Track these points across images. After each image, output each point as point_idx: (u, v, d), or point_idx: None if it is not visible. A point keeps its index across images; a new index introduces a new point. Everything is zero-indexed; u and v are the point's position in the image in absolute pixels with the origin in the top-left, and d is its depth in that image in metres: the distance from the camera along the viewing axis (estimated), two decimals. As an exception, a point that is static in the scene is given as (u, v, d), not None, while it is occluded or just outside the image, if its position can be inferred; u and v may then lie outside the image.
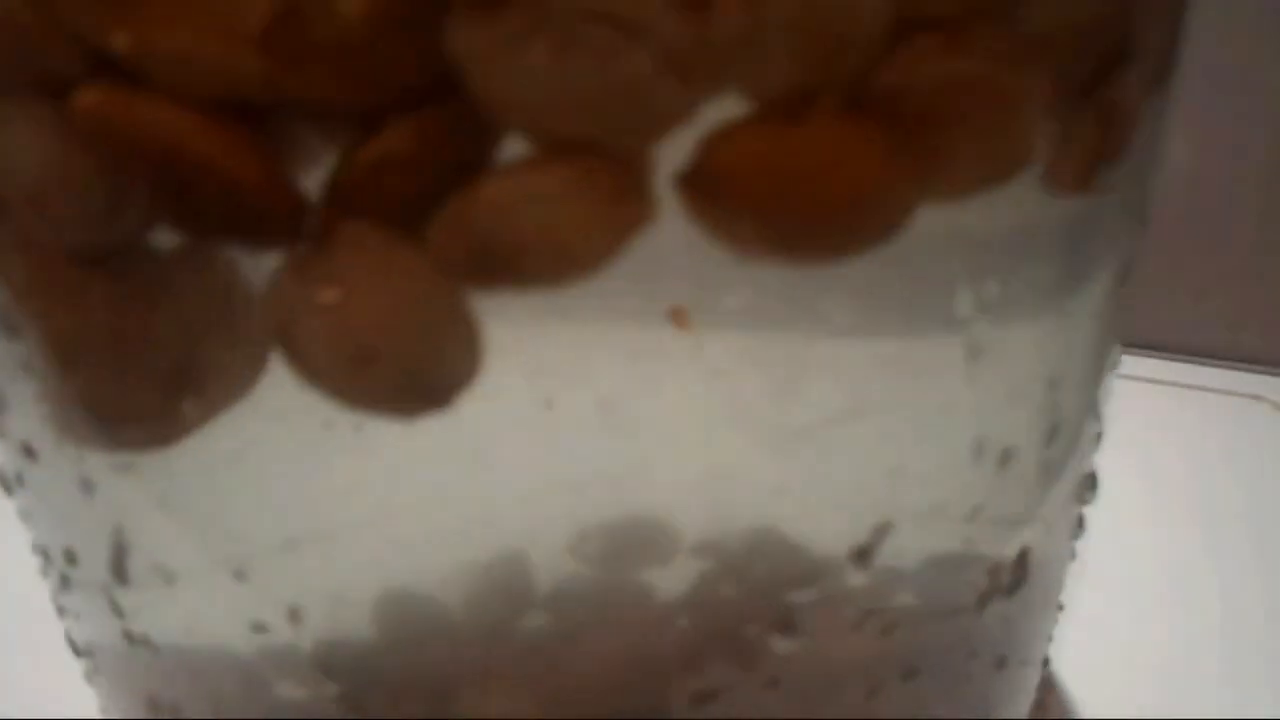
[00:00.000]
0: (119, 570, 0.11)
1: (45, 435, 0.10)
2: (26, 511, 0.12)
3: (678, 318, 0.08)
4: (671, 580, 0.10)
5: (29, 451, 0.11)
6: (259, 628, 0.10)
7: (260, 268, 0.08)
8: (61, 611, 0.13)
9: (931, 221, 0.09)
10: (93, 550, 0.11)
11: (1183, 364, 0.34)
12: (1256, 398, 0.32)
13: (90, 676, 0.13)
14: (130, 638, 0.11)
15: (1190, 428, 0.31)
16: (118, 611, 0.11)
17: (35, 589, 0.13)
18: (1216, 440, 0.30)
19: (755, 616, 0.10)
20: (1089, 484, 0.13)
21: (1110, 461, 0.30)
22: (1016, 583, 0.11)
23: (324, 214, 0.08)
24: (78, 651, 0.13)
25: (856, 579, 0.10)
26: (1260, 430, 0.31)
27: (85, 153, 0.08)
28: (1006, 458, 0.10)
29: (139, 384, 0.10)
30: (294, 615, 0.10)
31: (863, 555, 0.10)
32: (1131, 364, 0.35)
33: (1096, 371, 0.12)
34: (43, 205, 0.09)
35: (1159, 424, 0.30)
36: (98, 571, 0.11)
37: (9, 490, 0.12)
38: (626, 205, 0.08)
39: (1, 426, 0.11)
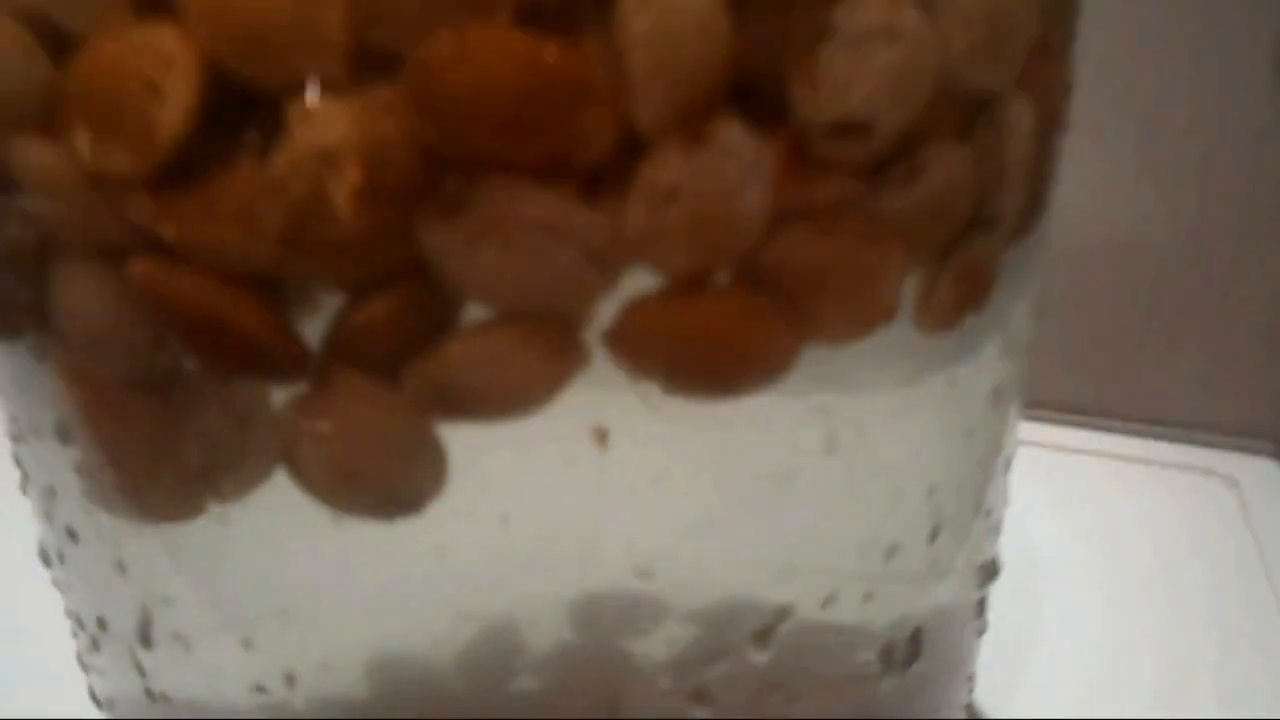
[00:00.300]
0: (144, 636, 0.13)
1: (87, 522, 0.12)
2: (64, 583, 0.14)
3: (598, 436, 0.10)
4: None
5: (72, 534, 0.13)
6: (259, 689, 0.12)
7: (271, 395, 0.10)
8: (88, 668, 0.15)
9: (812, 355, 0.11)
10: (121, 619, 0.13)
11: (1135, 439, 0.35)
12: (1209, 472, 0.34)
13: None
14: (150, 694, 0.13)
15: (1142, 502, 0.32)
16: (140, 671, 0.13)
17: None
18: (1168, 515, 0.32)
19: (676, 689, 0.12)
20: (989, 571, 0.15)
21: (1064, 533, 0.31)
22: (910, 659, 0.13)
23: (321, 362, 0.10)
24: (99, 704, 0.15)
25: (759, 657, 0.12)
26: (1212, 505, 0.33)
27: (135, 307, 0.10)
28: (892, 552, 0.12)
29: (169, 481, 0.12)
30: (289, 679, 0.12)
31: (763, 636, 0.12)
32: (1083, 438, 0.37)
33: (980, 479, 0.14)
34: (98, 344, 0.11)
35: (1111, 498, 0.32)
36: (125, 636, 0.13)
37: (48, 564, 0.14)
38: (561, 358, 0.10)
39: (50, 513, 0.13)
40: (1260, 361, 0.35)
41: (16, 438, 0.13)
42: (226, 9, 0.09)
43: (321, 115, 0.09)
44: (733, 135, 0.09)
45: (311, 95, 0.09)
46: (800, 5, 0.10)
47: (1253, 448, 0.35)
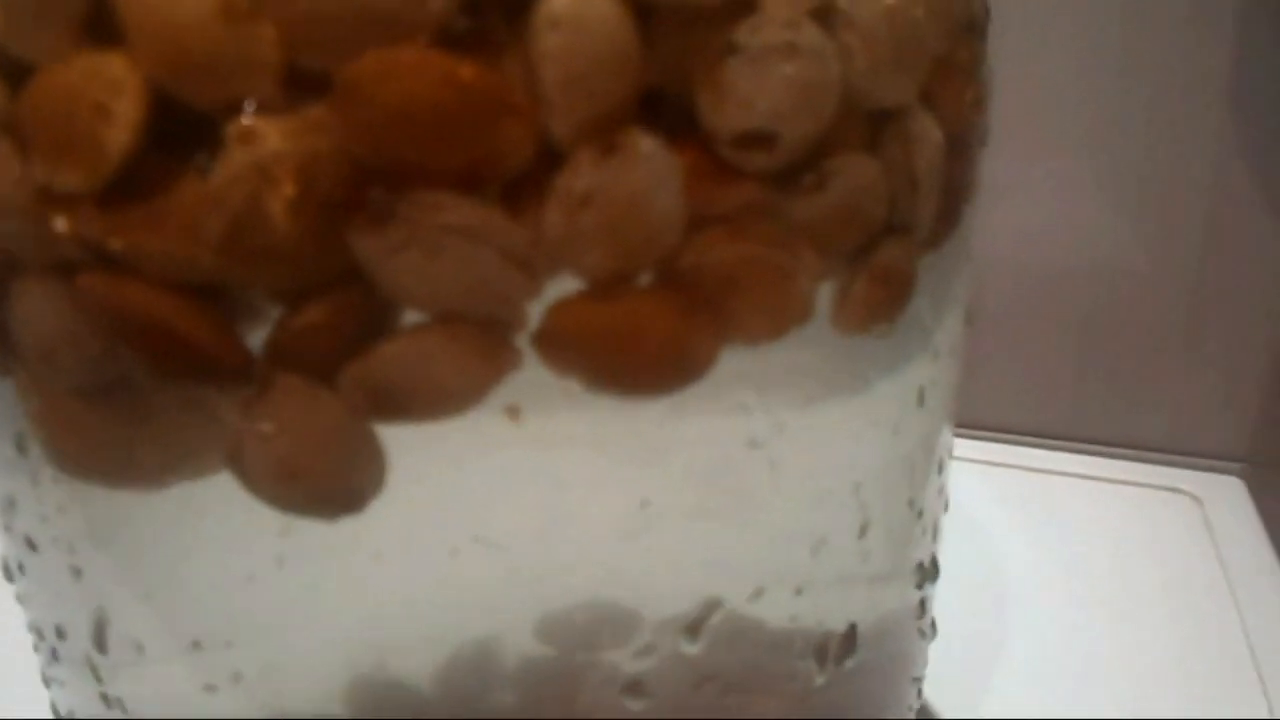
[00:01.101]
0: (99, 642, 0.13)
1: (44, 531, 0.13)
2: (25, 595, 0.14)
3: (511, 413, 0.11)
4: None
5: (30, 544, 0.13)
6: (210, 689, 0.12)
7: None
8: (49, 682, 0.15)
9: (731, 353, 0.11)
10: (78, 626, 0.13)
11: (1101, 458, 0.36)
12: (1174, 490, 0.35)
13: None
14: (106, 700, 0.13)
15: (1108, 521, 0.33)
16: (97, 678, 0.13)
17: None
18: (1136, 531, 0.32)
19: (603, 682, 0.12)
20: (926, 572, 0.16)
21: (1031, 552, 0.32)
22: (843, 656, 0.14)
23: (263, 366, 0.10)
24: (59, 718, 0.15)
25: (691, 649, 0.12)
26: (1177, 523, 0.33)
27: (85, 319, 0.11)
28: (819, 548, 0.13)
29: (128, 479, 0.12)
30: (236, 679, 0.12)
31: (694, 629, 0.12)
32: (1048, 458, 0.37)
33: (910, 478, 0.14)
34: (52, 356, 0.11)
35: (1077, 517, 0.33)
36: (82, 644, 0.13)
37: (10, 578, 0.15)
38: (489, 360, 0.11)
39: (9, 524, 0.13)
40: (1223, 382, 0.35)
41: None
42: (169, 38, 0.10)
43: (257, 132, 0.10)
44: (642, 144, 0.10)
45: (247, 114, 0.10)
46: (704, 23, 0.10)
47: (1217, 467, 0.35)
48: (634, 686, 0.12)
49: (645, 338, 0.11)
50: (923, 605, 0.16)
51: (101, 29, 0.10)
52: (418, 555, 0.12)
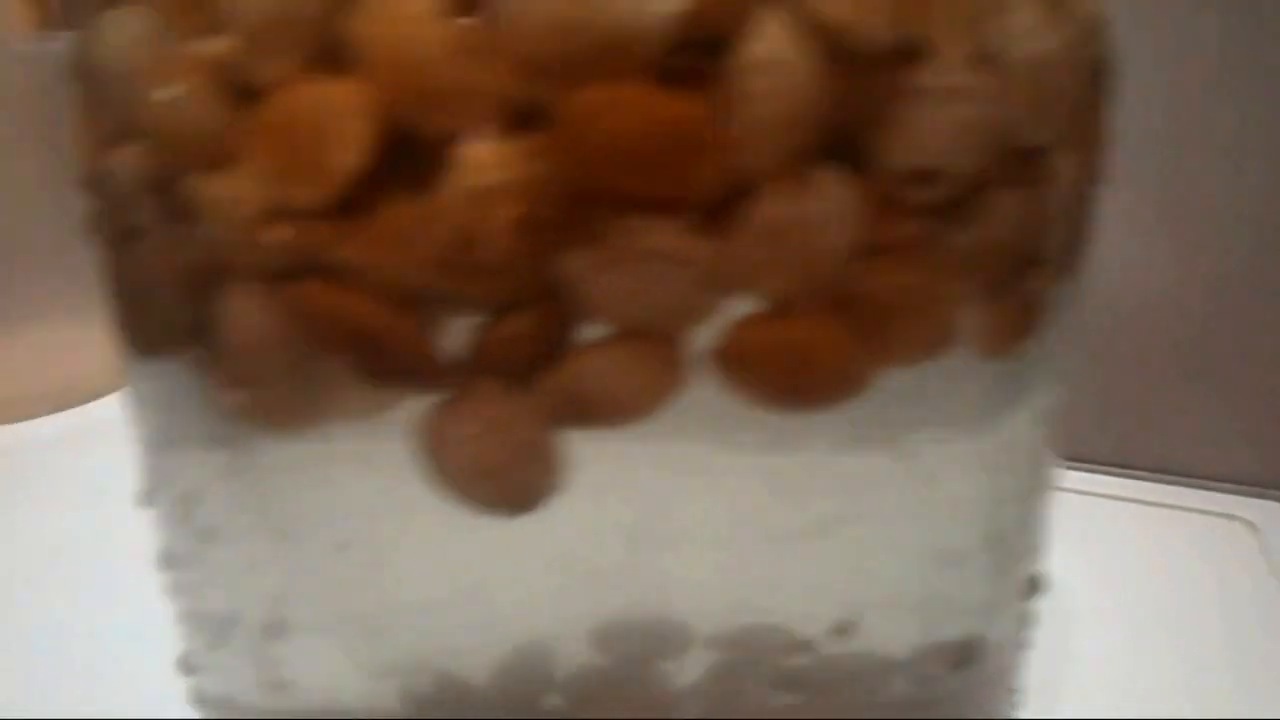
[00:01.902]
0: (274, 629, 0.14)
1: (230, 522, 0.14)
2: (187, 586, 0.15)
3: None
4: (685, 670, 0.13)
5: (209, 535, 0.14)
6: (376, 675, 0.13)
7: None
8: (197, 669, 0.16)
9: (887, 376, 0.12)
10: (250, 613, 0.14)
11: (1157, 484, 0.36)
12: (1229, 517, 0.35)
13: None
14: (274, 687, 0.14)
15: (1164, 546, 0.33)
16: (265, 665, 0.14)
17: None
18: (1190, 558, 0.33)
19: (758, 683, 0.13)
20: (1035, 585, 0.16)
21: (1084, 577, 0.32)
22: (964, 662, 0.14)
23: (465, 372, 0.11)
24: (205, 705, 0.16)
25: (838, 648, 0.13)
26: (1232, 549, 0.34)
27: (294, 323, 0.12)
28: (952, 561, 0.14)
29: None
30: (411, 672, 0.13)
31: (842, 630, 0.13)
32: (1106, 483, 0.38)
33: (1032, 494, 0.15)
34: (257, 357, 0.12)
35: (1134, 542, 0.33)
36: (253, 631, 0.14)
37: (169, 568, 0.16)
38: (668, 372, 0.11)
39: (186, 516, 0.14)
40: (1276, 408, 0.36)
41: (157, 447, 0.14)
42: (407, 69, 0.10)
43: (482, 158, 0.10)
44: (827, 179, 0.11)
45: (476, 141, 0.10)
46: (884, 68, 0.11)
47: (1270, 494, 0.36)
48: (787, 684, 0.13)
49: (818, 356, 0.12)
50: (1027, 616, 0.16)
51: (329, 56, 0.11)
52: (580, 556, 0.13)
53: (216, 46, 0.12)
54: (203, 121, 0.12)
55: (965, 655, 0.14)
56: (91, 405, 0.43)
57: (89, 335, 0.43)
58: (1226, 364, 0.36)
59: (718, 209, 0.11)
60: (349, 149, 0.11)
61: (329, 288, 0.11)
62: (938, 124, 0.11)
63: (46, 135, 0.41)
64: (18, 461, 0.39)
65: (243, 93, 0.11)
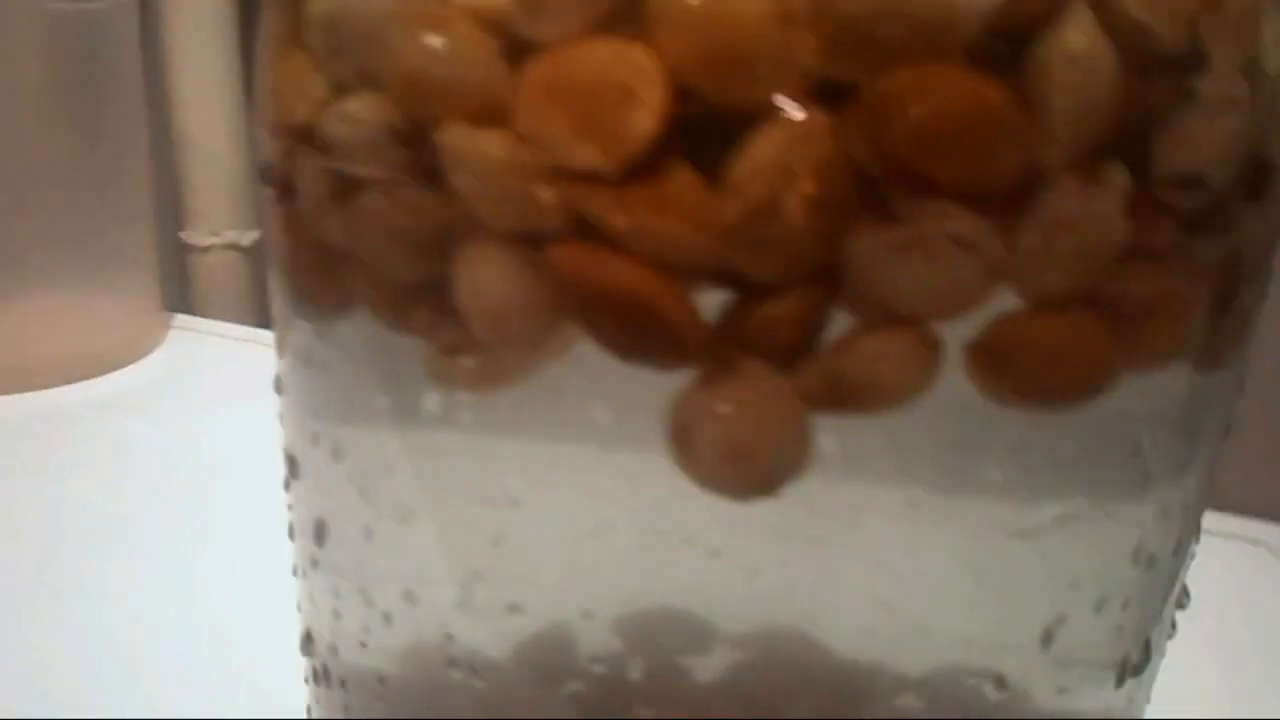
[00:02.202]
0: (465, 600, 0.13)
1: (423, 498, 0.13)
2: (360, 562, 0.15)
3: None
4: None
5: (401, 511, 0.14)
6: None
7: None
8: (364, 644, 0.15)
9: (1124, 394, 0.12)
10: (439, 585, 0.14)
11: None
12: (1256, 542, 0.36)
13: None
14: (450, 661, 0.14)
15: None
16: (447, 637, 0.14)
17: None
18: (1218, 583, 0.33)
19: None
20: (1180, 600, 0.17)
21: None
22: (1141, 666, 0.15)
23: (727, 348, 0.11)
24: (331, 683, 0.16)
25: (1045, 657, 0.13)
26: (1258, 574, 0.34)
27: (546, 288, 0.11)
28: (1151, 562, 0.14)
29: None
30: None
31: (1047, 638, 0.13)
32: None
33: (1203, 502, 0.15)
34: (502, 323, 0.12)
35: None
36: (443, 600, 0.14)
37: (320, 542, 0.15)
38: (931, 362, 0.11)
39: (374, 490, 0.14)
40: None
41: (345, 419, 0.14)
42: (713, 35, 0.10)
43: (782, 132, 0.10)
44: (1119, 177, 0.11)
45: (778, 113, 0.10)
46: (1170, 72, 0.11)
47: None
48: (998, 680, 0.13)
49: (1077, 355, 0.12)
50: (1173, 623, 0.17)
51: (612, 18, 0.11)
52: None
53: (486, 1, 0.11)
54: (471, 74, 0.11)
55: (1144, 659, 0.14)
56: (109, 376, 0.42)
57: (100, 305, 0.42)
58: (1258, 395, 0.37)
59: (1008, 198, 0.11)
60: (648, 114, 0.10)
61: (600, 253, 0.11)
62: (1210, 132, 0.11)
63: (67, 100, 0.39)
64: (25, 429, 0.38)
65: (515, 48, 0.11)
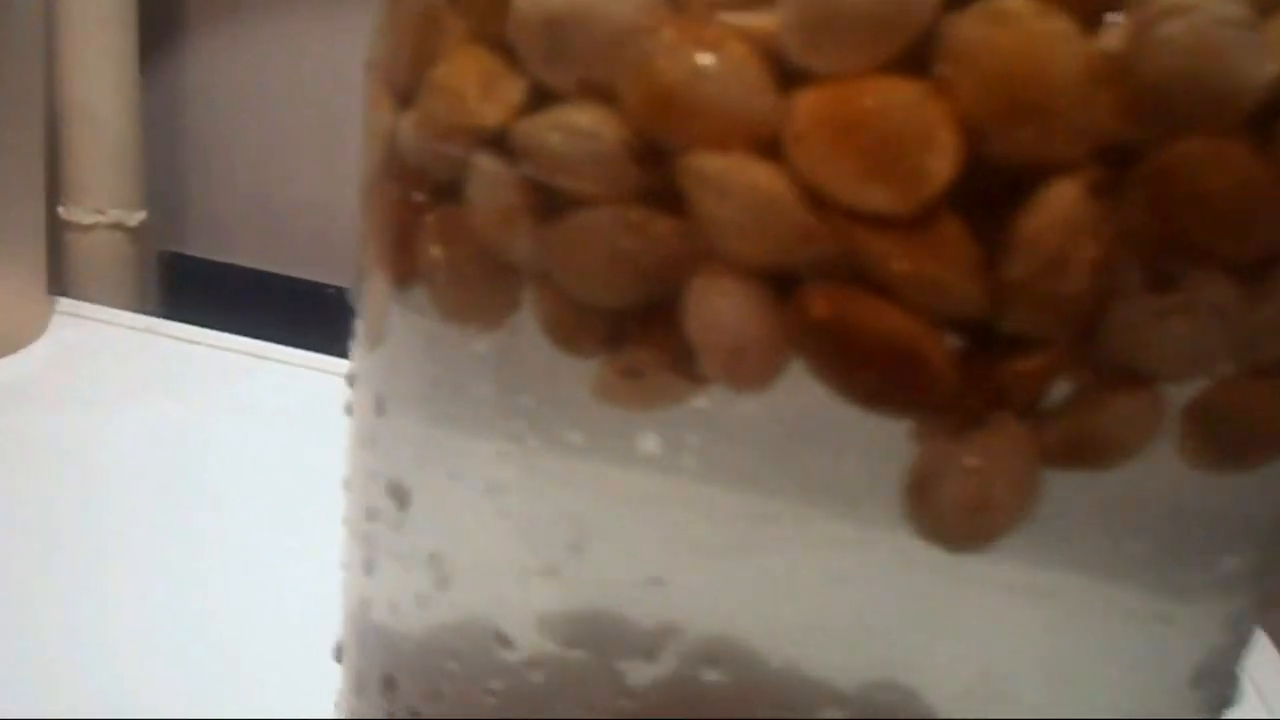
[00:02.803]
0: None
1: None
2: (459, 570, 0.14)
3: None
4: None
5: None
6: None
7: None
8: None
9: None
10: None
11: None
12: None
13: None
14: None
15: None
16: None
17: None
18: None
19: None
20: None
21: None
22: (1230, 701, 0.15)
23: (979, 402, 0.11)
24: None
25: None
26: None
27: (790, 327, 0.11)
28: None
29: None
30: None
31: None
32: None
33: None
34: (738, 361, 0.11)
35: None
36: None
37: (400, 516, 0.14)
38: (1159, 421, 0.12)
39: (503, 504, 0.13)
40: None
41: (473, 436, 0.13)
42: (1015, 85, 0.10)
43: (1076, 190, 0.10)
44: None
45: (1069, 173, 0.10)
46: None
47: None
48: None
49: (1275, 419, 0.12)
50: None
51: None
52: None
53: (762, 22, 0.11)
54: (740, 99, 0.11)
55: (1234, 693, 0.15)
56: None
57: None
58: None
59: (1256, 267, 0.11)
60: (946, 160, 0.10)
61: (865, 296, 0.11)
62: None
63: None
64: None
65: (786, 76, 0.10)
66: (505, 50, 0.12)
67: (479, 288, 0.13)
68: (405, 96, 0.14)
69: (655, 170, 0.11)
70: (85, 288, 0.47)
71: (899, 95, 0.10)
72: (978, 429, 0.11)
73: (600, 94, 0.11)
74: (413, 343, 0.14)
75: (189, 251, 0.54)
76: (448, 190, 0.13)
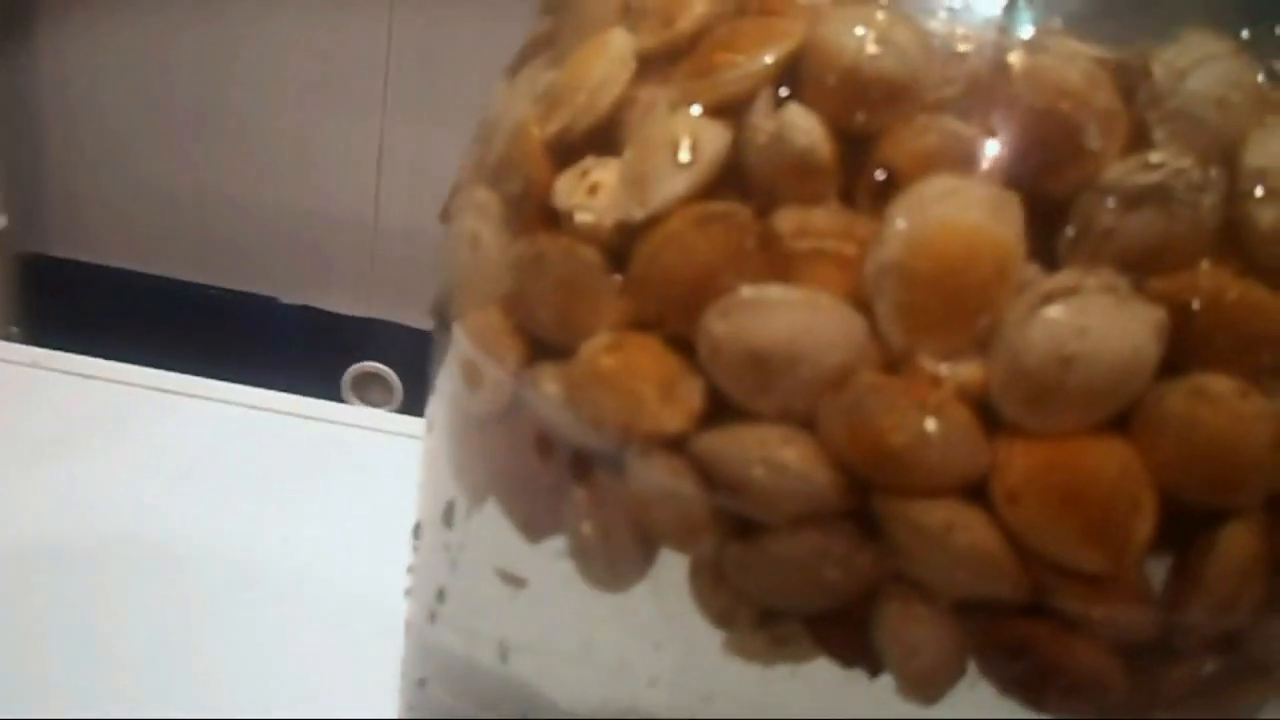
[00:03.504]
0: None
1: None
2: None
3: None
4: None
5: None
6: None
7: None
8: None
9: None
10: None
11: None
12: None
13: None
14: None
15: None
16: None
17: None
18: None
19: None
20: None
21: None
22: None
23: (1141, 702, 0.12)
24: None
25: None
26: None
27: (980, 651, 0.12)
28: None
29: None
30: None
31: None
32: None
33: None
34: (930, 682, 0.12)
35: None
36: None
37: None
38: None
39: None
40: None
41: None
42: (1206, 460, 0.11)
43: (1250, 537, 0.11)
44: None
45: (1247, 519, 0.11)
46: None
47: None
48: None
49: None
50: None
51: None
52: None
53: (971, 373, 0.11)
54: (956, 455, 0.11)
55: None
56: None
57: None
58: None
59: None
60: (1148, 522, 0.11)
61: (1061, 630, 0.11)
62: None
63: None
64: None
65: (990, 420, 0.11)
66: (680, 346, 0.12)
67: (631, 563, 0.13)
68: (542, 346, 0.13)
69: (854, 498, 0.11)
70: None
71: (1112, 463, 0.11)
72: (1138, 724, 0.12)
73: (799, 419, 0.11)
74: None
75: (53, 253, 0.49)
76: (598, 461, 0.13)
